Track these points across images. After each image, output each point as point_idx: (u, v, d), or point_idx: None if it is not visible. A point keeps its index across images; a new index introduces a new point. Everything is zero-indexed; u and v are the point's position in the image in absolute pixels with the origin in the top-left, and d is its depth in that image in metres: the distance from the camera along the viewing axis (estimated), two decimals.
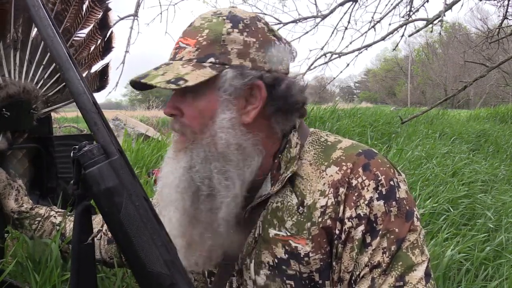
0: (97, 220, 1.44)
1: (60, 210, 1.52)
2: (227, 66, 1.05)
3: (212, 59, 1.05)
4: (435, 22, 4.73)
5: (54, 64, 1.54)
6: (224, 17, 1.08)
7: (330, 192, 1.06)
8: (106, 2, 1.63)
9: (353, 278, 1.02)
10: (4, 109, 1.37)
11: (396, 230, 1.01)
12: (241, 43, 1.06)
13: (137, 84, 1.09)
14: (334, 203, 1.05)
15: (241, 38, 1.06)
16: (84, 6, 1.61)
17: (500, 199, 4.11)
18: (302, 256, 1.07)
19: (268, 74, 1.07)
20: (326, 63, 5.72)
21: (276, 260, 1.10)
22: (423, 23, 5.13)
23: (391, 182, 1.04)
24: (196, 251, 1.10)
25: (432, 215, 3.22)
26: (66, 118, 7.79)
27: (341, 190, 1.05)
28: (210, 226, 1.07)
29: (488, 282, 2.60)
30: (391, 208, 1.02)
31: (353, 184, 1.04)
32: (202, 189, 1.06)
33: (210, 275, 1.24)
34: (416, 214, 1.05)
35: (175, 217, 1.08)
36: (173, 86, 1.00)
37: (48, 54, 1.51)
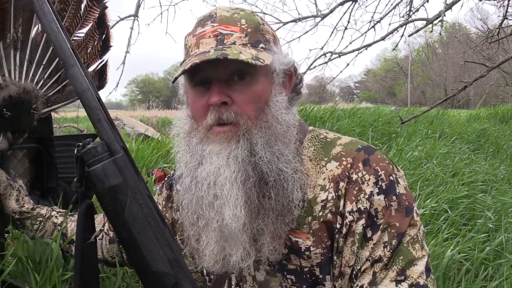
0: (98, 220, 1.44)
1: (61, 210, 1.52)
2: (272, 52, 1.08)
3: (262, 45, 1.08)
4: (435, 22, 4.73)
5: (54, 64, 1.54)
6: (248, 11, 1.12)
7: (330, 187, 1.07)
8: (104, 1, 1.63)
9: (354, 272, 1.03)
10: (4, 109, 1.37)
11: (397, 224, 1.01)
12: (271, 34, 1.12)
13: (199, 65, 1.00)
14: (334, 197, 1.05)
15: (270, 30, 1.13)
16: (82, 6, 1.61)
17: (500, 199, 4.11)
18: (303, 250, 1.07)
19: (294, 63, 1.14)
20: (326, 63, 5.72)
21: None
22: (423, 23, 5.13)
23: (391, 177, 1.05)
24: (268, 239, 1.06)
25: (432, 215, 3.22)
26: (66, 118, 7.79)
27: (342, 184, 1.05)
28: (281, 211, 1.05)
29: (488, 282, 2.60)
30: (392, 203, 1.02)
31: (354, 179, 1.05)
32: (269, 175, 1.04)
33: (209, 273, 1.24)
34: (416, 210, 1.05)
35: (241, 212, 1.02)
36: (258, 63, 1.00)
37: (48, 54, 1.51)
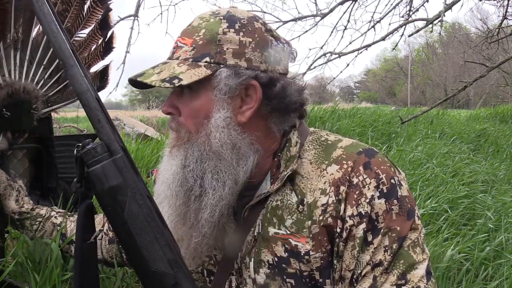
0: (97, 220, 1.44)
1: (60, 210, 1.52)
2: (222, 66, 1.05)
3: (207, 59, 1.06)
4: (435, 22, 4.73)
5: (54, 65, 1.54)
6: (221, 17, 1.09)
7: (331, 191, 1.06)
8: (108, 2, 1.63)
9: (355, 276, 1.03)
10: (4, 109, 1.37)
11: (398, 228, 1.01)
12: (237, 43, 1.06)
13: (135, 82, 1.10)
14: (335, 201, 1.05)
15: (236, 38, 1.07)
16: (85, 7, 1.61)
17: (500, 199, 4.11)
18: (302, 254, 1.07)
19: (263, 74, 1.07)
20: (325, 63, 5.72)
21: (276, 259, 1.10)
22: (423, 23, 5.13)
23: (392, 181, 1.04)
24: (183, 248, 1.11)
25: (432, 215, 3.22)
26: (66, 118, 7.79)
27: (342, 188, 1.05)
28: (195, 225, 1.09)
29: (488, 282, 2.60)
30: (393, 207, 1.02)
31: (354, 182, 1.04)
32: (194, 189, 1.07)
33: (209, 274, 1.24)
34: (417, 213, 1.05)
35: (167, 213, 1.09)
36: (167, 85, 1.01)
37: (49, 54, 1.52)
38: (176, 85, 1.01)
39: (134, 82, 1.09)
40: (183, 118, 1.09)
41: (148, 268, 0.90)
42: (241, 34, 1.07)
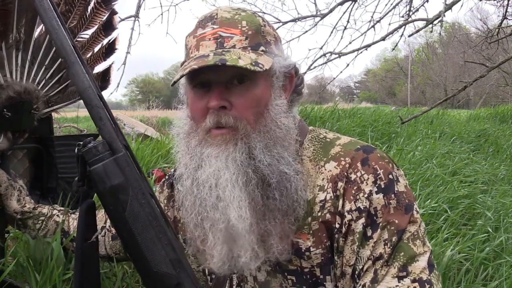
0: (100, 217, 1.45)
1: (62, 208, 1.52)
2: (273, 55, 1.08)
3: (262, 48, 1.07)
4: (435, 22, 4.73)
5: (55, 65, 1.54)
6: (250, 11, 1.11)
7: (329, 187, 1.07)
8: (112, 3, 1.63)
9: (356, 272, 1.03)
10: (5, 110, 1.37)
11: (396, 221, 1.01)
12: (272, 35, 1.11)
13: (199, 70, 1.01)
14: (333, 197, 1.06)
15: (271, 31, 1.12)
16: (89, 8, 1.61)
17: (500, 199, 4.11)
18: (303, 251, 1.07)
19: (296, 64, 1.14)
20: (325, 63, 5.72)
21: None
22: (423, 23, 5.13)
23: (390, 176, 1.05)
24: (276, 240, 1.06)
25: (432, 215, 3.22)
26: (66, 118, 7.78)
27: (340, 184, 1.06)
28: (287, 211, 1.06)
29: (488, 282, 2.60)
30: (390, 201, 1.02)
31: (352, 178, 1.05)
32: (271, 177, 1.04)
33: (210, 272, 1.24)
34: (416, 208, 1.05)
35: (246, 213, 1.03)
36: (258, 69, 0.99)
37: (50, 55, 1.52)
38: (264, 68, 1.00)
39: (212, 67, 1.00)
40: (239, 110, 1.05)
41: (150, 268, 0.90)
42: (271, 28, 1.12)
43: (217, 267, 1.09)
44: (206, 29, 1.08)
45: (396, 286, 0.96)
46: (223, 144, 1.05)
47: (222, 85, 1.05)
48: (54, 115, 1.74)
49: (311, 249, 1.07)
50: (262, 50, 1.07)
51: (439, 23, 4.43)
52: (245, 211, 1.02)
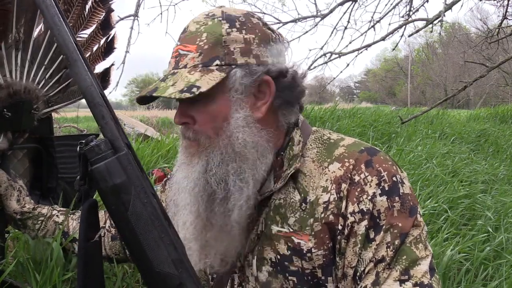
0: (100, 216, 1.45)
1: (62, 209, 1.52)
2: (233, 66, 1.05)
3: (217, 62, 1.05)
4: (435, 22, 4.73)
5: (55, 65, 1.54)
6: (219, 18, 1.08)
7: (332, 188, 1.06)
8: (109, 2, 1.63)
9: (358, 274, 1.03)
10: (5, 109, 1.37)
11: (400, 224, 1.01)
12: (242, 41, 1.06)
13: (146, 98, 1.08)
14: (336, 198, 1.05)
15: (240, 36, 1.06)
16: (87, 7, 1.61)
17: (500, 199, 4.11)
18: (304, 252, 1.07)
19: (273, 67, 1.09)
20: (326, 63, 5.72)
21: (278, 257, 1.10)
22: (423, 23, 5.13)
23: (394, 178, 1.04)
24: (211, 254, 1.11)
25: (432, 215, 3.23)
26: (66, 118, 7.79)
27: (344, 186, 1.05)
28: (223, 228, 1.08)
29: (488, 282, 2.60)
30: (394, 204, 1.02)
31: (356, 180, 1.05)
32: (217, 192, 1.06)
33: (211, 272, 1.24)
34: (419, 211, 1.05)
35: (189, 220, 1.08)
36: (187, 95, 0.99)
37: (50, 54, 1.51)
38: (196, 93, 0.99)
39: (145, 98, 1.08)
40: (199, 125, 1.07)
41: (152, 268, 0.89)
42: (244, 31, 1.07)
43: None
44: (176, 44, 1.11)
45: None
46: (189, 156, 1.10)
47: (186, 101, 1.08)
48: (54, 115, 1.74)
49: (313, 250, 1.07)
50: (216, 65, 1.05)
51: (439, 23, 4.43)
52: (191, 218, 1.09)
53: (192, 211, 1.08)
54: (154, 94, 1.02)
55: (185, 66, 1.06)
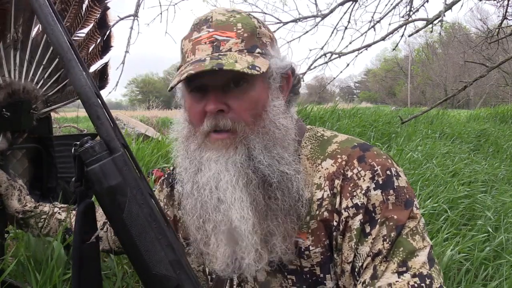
0: (101, 212, 1.44)
1: (63, 205, 1.52)
2: (269, 57, 1.08)
3: (259, 50, 1.07)
4: (435, 22, 4.73)
5: (54, 64, 1.54)
6: (245, 13, 1.11)
7: (326, 185, 1.07)
8: (105, 1, 1.63)
9: (356, 269, 1.02)
10: (4, 109, 1.37)
11: (395, 217, 1.00)
12: (268, 36, 1.11)
13: (204, 74, 1.00)
14: (330, 195, 1.06)
15: (267, 32, 1.11)
16: (84, 6, 1.61)
17: (500, 199, 4.11)
18: (302, 250, 1.07)
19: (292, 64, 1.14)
20: (326, 63, 5.72)
21: None
22: (423, 23, 5.13)
23: (388, 172, 1.04)
24: (279, 240, 1.06)
25: (432, 215, 3.22)
26: (66, 118, 7.80)
27: (337, 182, 1.05)
28: (289, 211, 1.06)
29: (488, 282, 2.60)
30: (389, 197, 1.02)
31: (349, 176, 1.05)
32: (272, 177, 1.04)
33: (210, 272, 1.24)
34: (416, 204, 1.05)
35: (248, 214, 1.03)
36: (255, 72, 0.99)
37: (48, 54, 1.51)
38: (260, 72, 1.00)
39: (205, 73, 0.99)
40: (237, 112, 1.05)
41: (149, 270, 0.88)
42: (266, 29, 1.12)
43: (221, 269, 1.09)
44: (202, 32, 1.07)
45: (396, 281, 0.96)
46: (224, 148, 1.05)
47: (219, 88, 1.05)
48: (53, 115, 1.74)
49: (311, 248, 1.07)
50: (259, 52, 1.06)
51: (439, 23, 4.43)
52: (247, 212, 1.02)
53: (248, 204, 1.03)
54: (225, 68, 0.97)
55: (229, 50, 1.04)
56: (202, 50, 1.05)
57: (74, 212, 1.49)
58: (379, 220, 1.01)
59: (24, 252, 1.47)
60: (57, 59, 1.53)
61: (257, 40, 1.07)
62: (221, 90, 1.05)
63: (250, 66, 0.99)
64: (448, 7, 4.64)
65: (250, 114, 1.05)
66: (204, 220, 1.07)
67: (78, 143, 0.92)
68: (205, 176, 1.06)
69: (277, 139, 1.06)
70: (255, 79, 1.05)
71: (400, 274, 0.96)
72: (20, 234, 1.50)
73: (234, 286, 1.19)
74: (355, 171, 1.05)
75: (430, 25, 4.84)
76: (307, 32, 5.96)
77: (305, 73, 5.70)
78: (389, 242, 0.99)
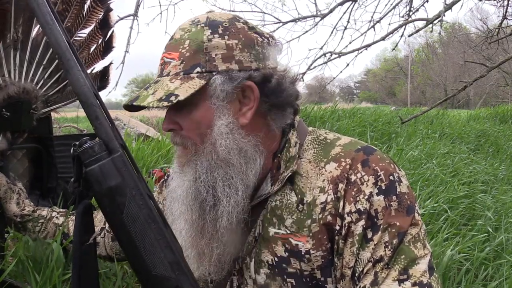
0: (99, 217, 1.44)
1: (61, 210, 1.52)
2: (214, 73, 1.04)
3: (198, 69, 1.05)
4: (435, 22, 4.73)
5: (54, 64, 1.54)
6: (202, 24, 1.07)
7: (329, 188, 1.06)
8: (108, 2, 1.63)
9: (356, 274, 1.02)
10: (4, 109, 1.37)
11: (398, 224, 1.00)
12: (224, 47, 1.05)
13: (132, 107, 1.10)
14: (333, 199, 1.05)
15: (222, 42, 1.06)
16: (86, 6, 1.61)
17: (500, 199, 4.11)
18: (303, 253, 1.07)
19: (256, 72, 1.07)
20: (325, 63, 5.73)
21: (276, 259, 1.10)
22: (423, 23, 5.14)
23: (391, 177, 1.04)
24: (206, 261, 1.11)
25: (432, 215, 3.22)
26: (66, 118, 7.79)
27: (341, 186, 1.05)
28: (215, 236, 1.08)
29: (488, 282, 2.60)
30: (392, 203, 1.01)
31: (352, 180, 1.04)
32: (208, 200, 1.06)
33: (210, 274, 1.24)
34: (417, 209, 1.04)
35: (184, 229, 1.09)
36: (165, 104, 1.00)
37: (48, 54, 1.51)
38: (174, 102, 1.00)
39: (130, 106, 1.10)
40: (186, 131, 1.09)
41: (149, 271, 0.88)
42: (226, 37, 1.06)
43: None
44: (163, 51, 1.12)
45: None
46: (181, 165, 1.12)
47: (172, 109, 1.10)
48: (54, 115, 1.74)
49: (311, 251, 1.06)
50: (197, 72, 1.05)
51: (439, 23, 4.44)
52: (186, 226, 1.10)
53: (187, 220, 1.09)
54: (135, 103, 1.05)
55: (168, 74, 1.07)
56: (157, 72, 1.12)
57: (72, 217, 1.49)
58: (381, 226, 1.00)
59: (24, 251, 1.47)
60: (57, 59, 1.53)
61: (201, 57, 1.05)
62: (175, 109, 1.09)
63: (164, 97, 1.01)
64: (448, 7, 4.64)
65: (195, 134, 1.08)
66: (171, 223, 1.11)
67: (77, 143, 0.92)
68: (171, 186, 1.15)
69: (221, 160, 1.06)
70: (197, 99, 1.05)
71: (400, 282, 0.96)
72: (19, 234, 1.50)
73: None
74: (358, 175, 1.04)
75: (430, 25, 4.85)
76: (306, 32, 5.97)
77: (304, 73, 5.71)
78: (391, 249, 0.99)
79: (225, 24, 1.08)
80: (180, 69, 1.05)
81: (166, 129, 1.11)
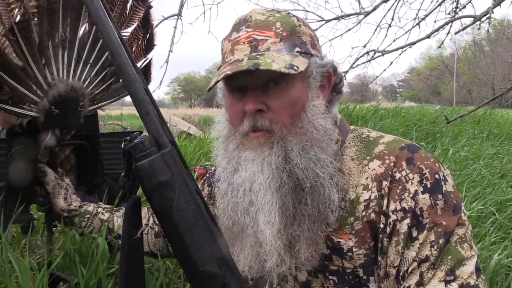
0: (142, 214, 1.47)
1: (107, 206, 1.55)
2: (309, 55, 1.07)
3: (298, 49, 1.06)
4: (482, 19, 4.60)
5: (100, 63, 1.57)
6: (284, 12, 1.10)
7: (373, 186, 1.05)
8: (149, 0, 1.65)
9: (401, 273, 1.00)
10: (52, 107, 1.41)
11: (444, 223, 0.98)
12: (308, 35, 1.10)
13: (237, 74, 1.00)
14: (377, 196, 1.04)
15: (307, 30, 1.10)
16: (128, 5, 1.63)
17: None
18: (345, 251, 1.06)
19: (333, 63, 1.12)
20: (368, 61, 5.65)
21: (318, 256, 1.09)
22: (470, 20, 5.00)
23: (436, 176, 1.02)
24: (300, 246, 1.06)
25: (479, 218, 3.13)
26: (111, 116, 7.97)
27: (385, 183, 1.03)
28: (317, 218, 1.05)
29: None
30: (437, 201, 0.99)
31: (397, 178, 1.03)
32: (305, 182, 1.03)
33: None
34: (463, 209, 1.02)
35: (275, 219, 1.03)
36: (292, 71, 0.99)
37: (95, 53, 1.54)
38: (298, 71, 0.99)
39: (238, 73, 1.00)
40: (275, 112, 1.05)
41: (196, 267, 0.88)
42: (307, 27, 1.11)
43: (245, 271, 1.09)
44: (240, 32, 1.08)
45: None
46: (259, 147, 1.05)
47: (258, 88, 1.05)
48: (99, 112, 1.77)
49: (354, 249, 1.05)
50: (298, 51, 1.06)
51: (487, 20, 4.31)
52: (274, 216, 1.02)
53: (277, 209, 1.03)
54: (261, 67, 0.97)
55: (268, 49, 1.04)
56: (241, 50, 1.06)
57: (117, 213, 1.52)
58: (427, 225, 0.98)
59: (71, 245, 1.51)
60: (103, 58, 1.56)
61: (296, 39, 1.06)
62: (261, 89, 1.05)
63: (288, 66, 0.98)
64: (497, 3, 4.50)
65: (288, 114, 1.05)
66: (233, 221, 1.08)
67: (127, 138, 0.93)
68: (240, 177, 1.07)
69: (315, 140, 1.05)
70: (295, 78, 1.04)
71: (447, 283, 0.94)
72: (66, 228, 1.54)
73: (274, 285, 1.18)
74: (403, 173, 1.02)
75: (478, 22, 4.71)
76: (349, 30, 5.91)
77: (347, 71, 5.66)
78: (437, 249, 0.96)
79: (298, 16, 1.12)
80: (280, 46, 1.05)
81: (254, 109, 1.04)
